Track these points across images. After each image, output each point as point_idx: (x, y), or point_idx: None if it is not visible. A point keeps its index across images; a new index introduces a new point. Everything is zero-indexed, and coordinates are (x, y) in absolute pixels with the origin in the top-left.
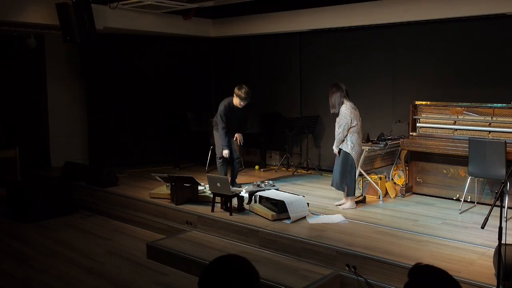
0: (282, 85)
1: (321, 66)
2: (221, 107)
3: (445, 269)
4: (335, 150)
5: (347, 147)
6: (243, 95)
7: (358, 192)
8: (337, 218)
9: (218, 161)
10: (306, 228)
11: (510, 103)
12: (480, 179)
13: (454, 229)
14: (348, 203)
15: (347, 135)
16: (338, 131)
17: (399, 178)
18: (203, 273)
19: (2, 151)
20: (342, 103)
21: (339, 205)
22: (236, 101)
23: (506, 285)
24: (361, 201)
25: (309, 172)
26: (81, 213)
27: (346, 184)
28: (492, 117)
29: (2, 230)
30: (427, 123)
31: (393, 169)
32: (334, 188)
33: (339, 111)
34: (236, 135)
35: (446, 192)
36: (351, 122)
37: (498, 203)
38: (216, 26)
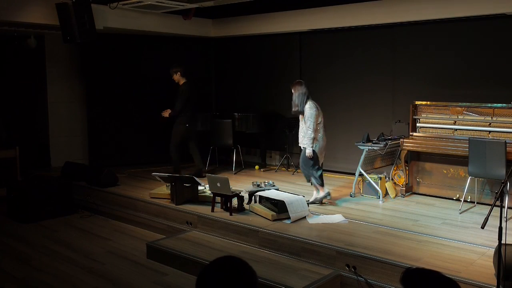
0: (282, 85)
1: (321, 66)
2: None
3: (445, 269)
4: (309, 150)
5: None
6: None
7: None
8: (337, 218)
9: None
10: (306, 228)
11: (510, 103)
12: (480, 179)
13: (454, 229)
14: (320, 193)
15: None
16: (309, 131)
17: (399, 178)
18: (201, 274)
19: (2, 151)
20: (306, 102)
21: (312, 202)
22: None
23: (506, 285)
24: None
25: None
26: (81, 213)
27: (313, 177)
28: (492, 117)
29: (2, 230)
30: (427, 123)
31: (393, 169)
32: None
33: (303, 110)
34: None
35: (446, 192)
36: (317, 120)
37: (498, 203)
38: (216, 26)
